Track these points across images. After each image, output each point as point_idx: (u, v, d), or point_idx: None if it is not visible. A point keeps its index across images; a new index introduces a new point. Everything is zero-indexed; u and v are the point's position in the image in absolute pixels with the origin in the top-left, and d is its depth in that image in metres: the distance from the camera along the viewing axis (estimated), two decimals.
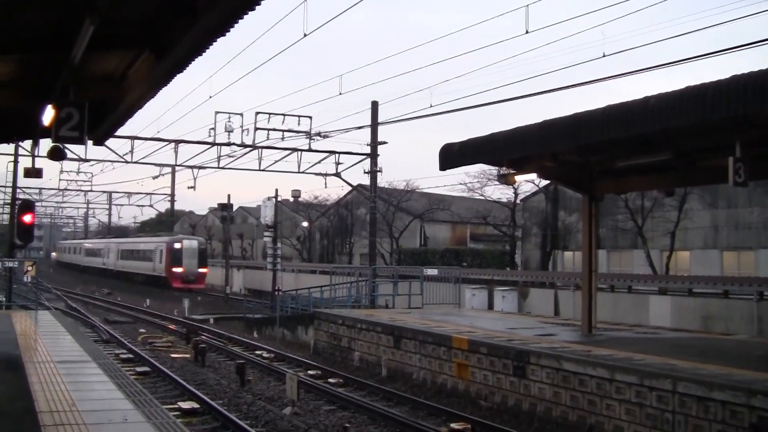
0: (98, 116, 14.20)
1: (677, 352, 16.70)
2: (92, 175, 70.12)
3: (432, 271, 32.84)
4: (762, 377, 13.25)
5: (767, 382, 12.72)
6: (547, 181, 43.75)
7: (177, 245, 67.93)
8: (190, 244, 68.85)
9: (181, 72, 10.89)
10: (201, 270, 68.02)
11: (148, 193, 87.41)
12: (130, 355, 25.47)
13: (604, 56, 24.47)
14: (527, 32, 24.67)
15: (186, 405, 17.38)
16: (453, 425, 16.18)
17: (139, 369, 22.46)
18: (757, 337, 24.23)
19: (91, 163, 57.67)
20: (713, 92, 13.52)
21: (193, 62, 10.43)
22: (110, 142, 40.46)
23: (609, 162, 19.42)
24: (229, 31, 9.04)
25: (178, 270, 66.19)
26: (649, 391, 14.17)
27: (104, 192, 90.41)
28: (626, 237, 46.30)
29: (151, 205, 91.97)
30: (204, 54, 10.06)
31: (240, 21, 8.70)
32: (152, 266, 70.99)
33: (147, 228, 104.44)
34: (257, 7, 8.28)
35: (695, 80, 14.21)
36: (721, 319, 29.47)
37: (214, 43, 9.61)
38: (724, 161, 14.95)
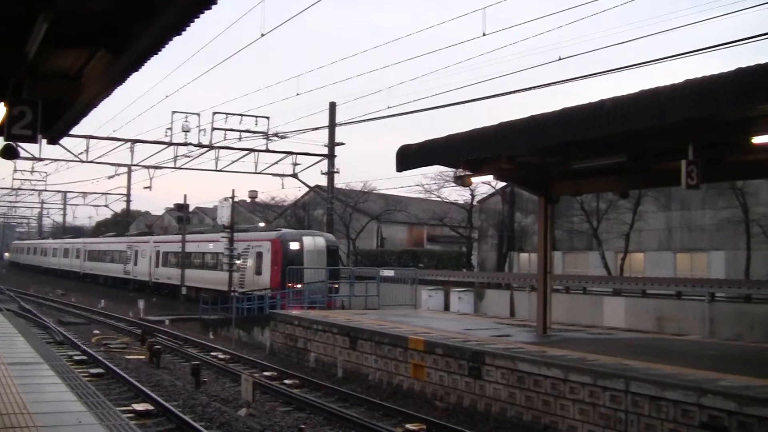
0: (52, 114, 14.02)
1: (631, 352, 16.87)
2: (46, 175, 69.29)
3: (388, 273, 32.87)
4: (713, 377, 13.43)
5: (718, 382, 12.91)
6: (504, 183, 43.92)
7: (294, 245, 41.53)
8: (313, 242, 41.81)
9: (138, 71, 10.82)
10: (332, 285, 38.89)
11: (103, 193, 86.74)
12: (84, 357, 25.20)
13: (560, 59, 24.63)
14: (484, 34, 24.81)
15: (140, 407, 17.24)
16: (408, 426, 16.20)
17: (93, 371, 22.24)
18: (709, 338, 24.52)
19: (46, 162, 56.90)
20: (667, 96, 13.70)
21: (149, 61, 10.36)
22: (65, 141, 40.27)
23: (565, 164, 19.59)
24: (185, 29, 8.98)
25: (297, 286, 37.49)
26: (602, 391, 14.31)
27: (59, 192, 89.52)
28: (581, 239, 46.63)
29: (106, 205, 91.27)
30: (161, 53, 9.99)
31: (197, 20, 8.66)
32: (240, 280, 43.38)
33: (102, 228, 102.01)
34: (214, 6, 8.24)
35: (650, 84, 14.40)
36: (674, 320, 29.79)
37: (171, 42, 9.55)
38: (678, 164, 15.16)
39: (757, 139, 14.89)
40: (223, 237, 42.97)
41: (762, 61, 12.43)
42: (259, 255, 42.83)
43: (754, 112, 14.10)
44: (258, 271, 42.74)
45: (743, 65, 12.67)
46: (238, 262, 41.20)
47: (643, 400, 13.50)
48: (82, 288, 69.00)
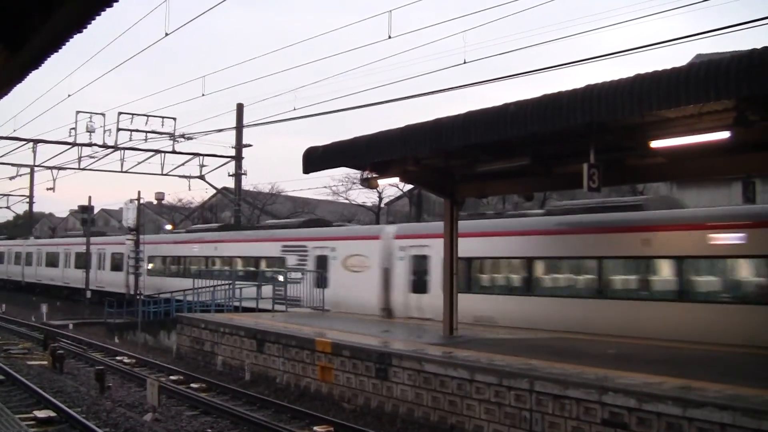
0: None
1: (535, 352, 17.17)
2: None
3: (296, 275, 32.79)
4: (613, 375, 13.76)
5: (618, 380, 13.22)
6: (411, 186, 44.25)
7: None
8: None
9: (37, 68, 10.60)
10: None
11: (4, 195, 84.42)
12: None
13: (465, 63, 25.01)
14: (390, 37, 25.00)
15: (42, 414, 16.89)
16: (316, 428, 16.20)
17: None
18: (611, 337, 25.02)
19: None
20: (568, 100, 14.01)
21: (50, 58, 10.16)
22: None
23: (470, 166, 19.83)
24: (86, 26, 8.83)
25: None
26: (507, 390, 14.53)
27: None
28: None
29: (8, 207, 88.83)
30: (62, 50, 9.82)
31: (98, 16, 8.53)
32: None
33: (5, 231, 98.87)
34: (116, 4, 8.13)
35: (553, 88, 14.71)
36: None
37: (73, 39, 9.39)
38: (580, 167, 15.54)
39: (655, 143, 15.35)
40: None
41: (661, 68, 12.83)
42: None
43: (651, 117, 14.53)
44: None
45: (641, 71, 13.05)
46: None
47: (546, 398, 13.76)
48: None
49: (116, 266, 50.48)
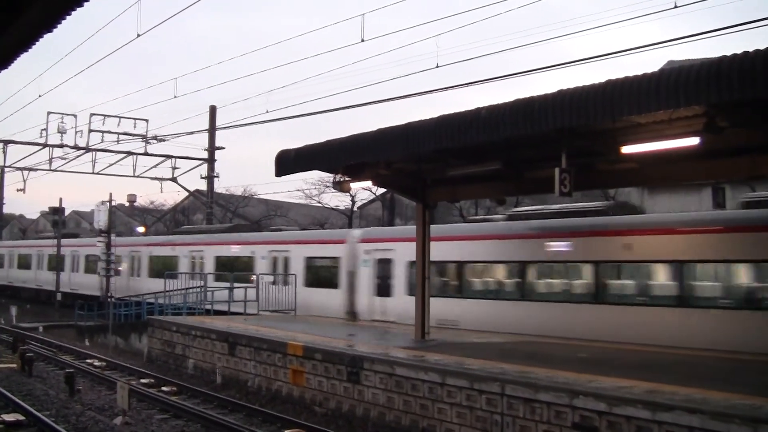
0: None
1: (506, 356, 17.21)
2: None
3: (268, 277, 32.72)
4: (583, 379, 13.82)
5: (588, 383, 13.28)
6: (384, 189, 44.27)
7: None
8: None
9: (7, 68, 10.55)
10: None
11: None
12: None
13: (437, 67, 25.09)
14: (363, 41, 25.04)
15: (10, 417, 16.79)
16: None
17: None
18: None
19: None
20: (540, 105, 14.07)
21: (19, 58, 10.10)
22: None
23: (442, 171, 19.87)
24: (56, 26, 8.80)
25: None
26: (478, 394, 14.55)
27: None
28: None
29: None
30: (32, 50, 9.76)
31: (67, 17, 8.49)
32: None
33: None
34: (86, 4, 8.09)
35: (525, 93, 14.76)
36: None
37: (43, 39, 9.33)
38: (551, 171, 15.61)
39: (626, 149, 15.45)
40: None
41: (632, 74, 12.91)
42: None
43: (622, 122, 14.63)
44: None
45: (613, 77, 13.14)
46: None
47: (517, 402, 13.80)
48: None
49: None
